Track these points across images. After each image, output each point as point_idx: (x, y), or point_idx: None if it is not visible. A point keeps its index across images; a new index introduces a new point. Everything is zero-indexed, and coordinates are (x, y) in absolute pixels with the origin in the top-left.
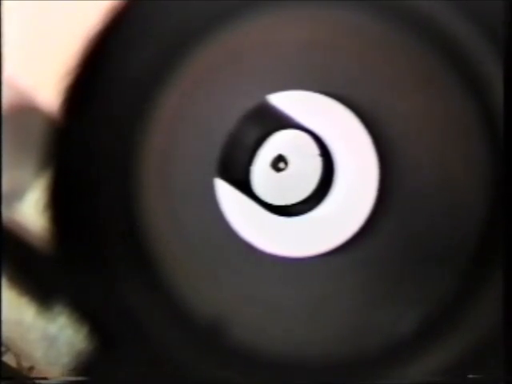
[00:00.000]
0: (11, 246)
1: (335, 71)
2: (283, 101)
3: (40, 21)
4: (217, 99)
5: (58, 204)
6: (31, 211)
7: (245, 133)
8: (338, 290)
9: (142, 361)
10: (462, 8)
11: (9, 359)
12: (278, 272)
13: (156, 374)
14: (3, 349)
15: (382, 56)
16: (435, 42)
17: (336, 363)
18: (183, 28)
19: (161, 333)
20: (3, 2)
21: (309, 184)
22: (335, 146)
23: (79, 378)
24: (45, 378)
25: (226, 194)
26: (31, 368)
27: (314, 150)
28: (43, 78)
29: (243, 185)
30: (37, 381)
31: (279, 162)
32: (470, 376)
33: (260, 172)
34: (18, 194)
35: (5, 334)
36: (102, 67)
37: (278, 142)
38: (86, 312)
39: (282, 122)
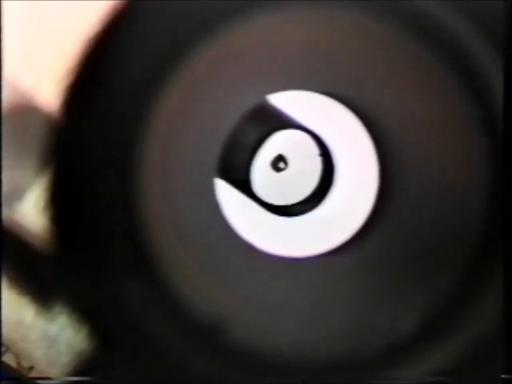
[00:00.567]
0: (11, 245)
1: (335, 71)
2: (283, 101)
3: (40, 21)
4: (217, 99)
5: (58, 204)
6: (31, 211)
7: (245, 133)
8: (338, 290)
9: (141, 361)
10: (462, 8)
11: (9, 359)
12: (278, 272)
13: (156, 373)
14: (3, 349)
15: (382, 56)
16: (435, 42)
17: (336, 363)
18: (183, 28)
19: (161, 333)
20: (3, 2)
21: (309, 184)
22: (335, 146)
23: (79, 378)
24: (45, 378)
25: (226, 193)
26: (31, 368)
27: (314, 150)
28: (43, 78)
29: (243, 185)
30: (37, 381)
31: (279, 162)
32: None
33: (260, 172)
34: (18, 194)
35: (5, 334)
36: (102, 67)
37: (278, 142)
38: (86, 312)
39: (282, 122)
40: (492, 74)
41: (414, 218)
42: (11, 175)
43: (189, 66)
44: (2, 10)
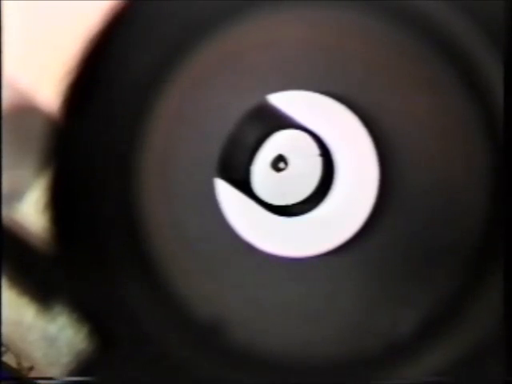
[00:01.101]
0: (11, 246)
1: (335, 71)
2: (283, 101)
3: (40, 21)
4: (217, 99)
5: (58, 204)
6: (31, 211)
7: (245, 133)
8: (338, 290)
9: (142, 361)
10: (462, 8)
11: (9, 359)
12: (278, 272)
13: (156, 373)
14: (3, 349)
15: (383, 56)
16: (435, 42)
17: (336, 363)
18: (183, 28)
19: (161, 333)
20: (3, 2)
21: (309, 184)
22: (335, 145)
23: (79, 378)
24: (45, 378)
25: (226, 193)
26: (31, 368)
27: (314, 149)
28: (43, 78)
29: (243, 185)
30: (37, 381)
31: (279, 162)
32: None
33: (260, 172)
34: (18, 194)
35: (5, 334)
36: (102, 67)
37: (278, 142)
38: (85, 312)
39: (282, 122)
40: (492, 73)
41: (414, 218)
42: (11, 175)
43: (189, 66)
44: (2, 10)
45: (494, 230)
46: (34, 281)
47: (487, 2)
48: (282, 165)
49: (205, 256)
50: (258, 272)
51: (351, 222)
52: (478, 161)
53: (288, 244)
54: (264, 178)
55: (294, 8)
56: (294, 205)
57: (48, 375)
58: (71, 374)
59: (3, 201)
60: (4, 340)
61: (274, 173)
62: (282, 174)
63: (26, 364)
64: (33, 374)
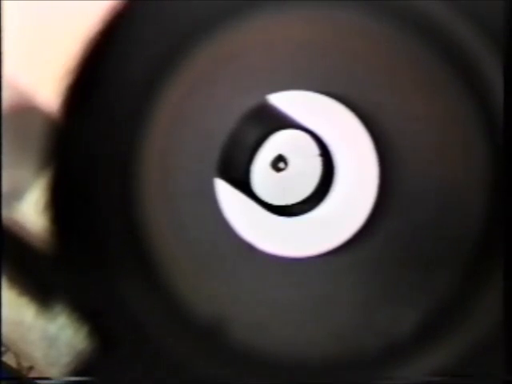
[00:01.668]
0: (11, 246)
1: (335, 71)
2: (283, 101)
3: (40, 21)
4: (217, 99)
5: (58, 204)
6: (31, 211)
7: (245, 133)
8: (338, 289)
9: (141, 361)
10: (462, 8)
11: (9, 359)
12: (278, 272)
13: (156, 373)
14: (3, 349)
15: (382, 56)
16: (435, 42)
17: (336, 363)
18: (183, 28)
19: (161, 333)
20: (3, 2)
21: (309, 184)
22: (335, 145)
23: (79, 378)
24: (45, 378)
25: (226, 194)
26: (31, 368)
27: (314, 150)
28: (43, 78)
29: (243, 185)
30: (37, 381)
31: (279, 162)
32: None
33: (260, 172)
34: (18, 194)
35: (5, 334)
36: (102, 67)
37: (278, 142)
38: (86, 312)
39: (282, 122)
40: (492, 73)
41: (413, 218)
42: (11, 175)
43: (189, 66)
44: (2, 10)
45: (493, 230)
46: (33, 281)
47: (487, 2)
48: (281, 165)
49: (205, 256)
50: (258, 272)
51: (351, 222)
52: (477, 161)
53: (288, 244)
54: (264, 177)
55: (294, 8)
56: (293, 205)
57: (48, 375)
58: (71, 373)
59: (3, 201)
60: (4, 340)
61: (273, 173)
62: (282, 174)
63: (25, 364)
64: (33, 374)
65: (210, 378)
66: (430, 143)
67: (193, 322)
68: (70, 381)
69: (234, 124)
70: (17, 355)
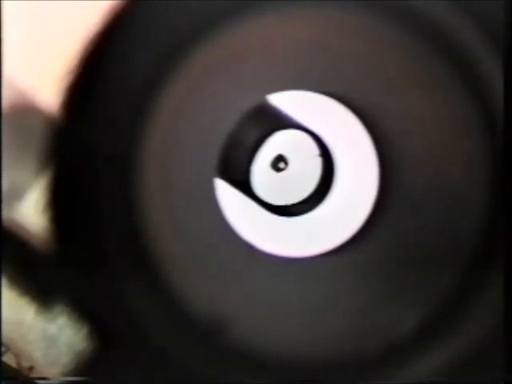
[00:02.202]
0: (11, 245)
1: (335, 71)
2: (283, 101)
3: (40, 21)
4: (217, 99)
5: (58, 204)
6: (31, 211)
7: (245, 133)
8: (338, 289)
9: (142, 361)
10: (462, 8)
11: (9, 359)
12: (278, 272)
13: (156, 373)
14: (3, 349)
15: (382, 56)
16: (435, 42)
17: (336, 363)
18: (183, 28)
19: (161, 333)
20: (3, 2)
21: (309, 184)
22: (335, 145)
23: (79, 378)
24: (45, 378)
25: (226, 193)
26: (31, 368)
27: (314, 150)
28: (43, 77)
29: (243, 185)
30: (37, 381)
31: (279, 162)
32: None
33: (260, 172)
34: (18, 194)
35: (5, 334)
36: (102, 67)
37: (278, 142)
38: (86, 312)
39: (282, 122)
40: (492, 73)
41: (414, 218)
42: (11, 175)
43: (189, 66)
44: (2, 10)
45: (493, 230)
46: (33, 281)
47: (487, 2)
48: (282, 165)
49: (205, 256)
50: (258, 272)
51: (351, 222)
52: (477, 160)
53: (288, 244)
54: (264, 177)
55: (294, 8)
56: (293, 205)
57: (48, 375)
58: (71, 373)
59: (3, 201)
60: (4, 340)
61: (273, 173)
62: (282, 173)
63: (25, 364)
64: (33, 374)
65: (210, 378)
66: (429, 143)
67: (193, 322)
68: (69, 381)
69: (234, 124)
70: (17, 355)
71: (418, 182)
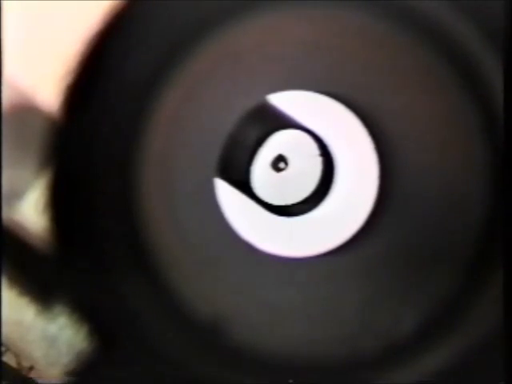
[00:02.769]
0: (11, 245)
1: (335, 71)
2: (283, 101)
3: (40, 21)
4: (217, 99)
5: (58, 204)
6: (31, 211)
7: (245, 133)
8: (338, 289)
9: (142, 361)
10: (462, 8)
11: (9, 359)
12: (278, 272)
13: (156, 373)
14: (3, 349)
15: (383, 56)
16: (435, 42)
17: (336, 363)
18: (183, 28)
19: (161, 333)
20: (3, 2)
21: (309, 184)
22: (335, 145)
23: (79, 378)
24: (45, 378)
25: (226, 194)
26: (31, 368)
27: (314, 150)
28: (43, 77)
29: (243, 185)
30: (37, 381)
31: (279, 162)
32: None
33: (260, 172)
34: (18, 194)
35: (5, 334)
36: (102, 67)
37: (278, 142)
38: (86, 312)
39: (282, 122)
40: (492, 73)
41: (414, 218)
42: (11, 175)
43: (189, 66)
44: (2, 10)
45: (493, 230)
46: (33, 281)
47: (487, 2)
48: (282, 165)
49: (205, 256)
50: (258, 272)
51: (351, 222)
52: (477, 161)
53: (288, 244)
54: (264, 177)
55: (294, 8)
56: (293, 205)
57: (48, 375)
58: (71, 374)
59: (3, 201)
60: (4, 340)
61: (273, 173)
62: (282, 173)
63: (25, 364)
64: (33, 374)
65: (209, 378)
66: (430, 143)
67: (193, 322)
68: (69, 381)
69: (234, 124)
70: (17, 355)
71: (418, 182)
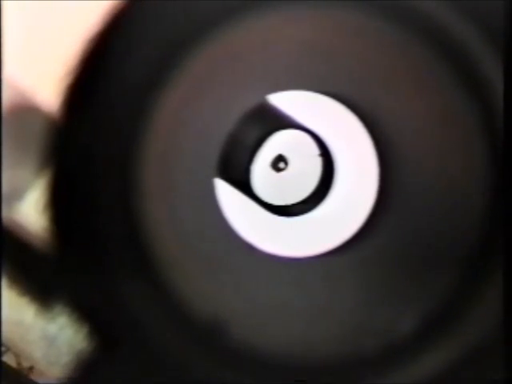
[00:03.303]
0: (11, 245)
1: (335, 71)
2: (283, 101)
3: (40, 21)
4: (217, 99)
5: (58, 204)
6: (31, 211)
7: (245, 133)
8: (338, 289)
9: (141, 361)
10: (462, 8)
11: (9, 359)
12: (278, 272)
13: (156, 373)
14: (3, 349)
15: (382, 56)
16: (435, 42)
17: (336, 363)
18: (183, 28)
19: (161, 333)
20: (3, 2)
21: (309, 184)
22: (335, 145)
23: (79, 378)
24: (45, 378)
25: (226, 194)
26: (31, 368)
27: (314, 150)
28: (43, 77)
29: (243, 185)
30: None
31: (279, 162)
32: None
33: (260, 172)
34: (18, 194)
35: (5, 334)
36: (102, 67)
37: (278, 142)
38: (86, 312)
39: (282, 122)
40: (492, 73)
41: (413, 218)
42: (11, 175)
43: (189, 66)
44: (2, 10)
45: (493, 230)
46: (33, 281)
47: (488, 3)
48: (282, 165)
49: (205, 256)
50: (258, 272)
51: (351, 222)
52: (477, 160)
53: (288, 244)
54: (264, 177)
55: (294, 8)
56: (293, 205)
57: (48, 375)
58: (71, 374)
59: (3, 201)
60: (4, 340)
61: (273, 173)
62: (282, 173)
63: (25, 364)
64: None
65: (209, 378)
66: (429, 143)
67: (193, 322)
68: (70, 381)
69: (234, 124)
70: (17, 355)
71: (418, 181)
